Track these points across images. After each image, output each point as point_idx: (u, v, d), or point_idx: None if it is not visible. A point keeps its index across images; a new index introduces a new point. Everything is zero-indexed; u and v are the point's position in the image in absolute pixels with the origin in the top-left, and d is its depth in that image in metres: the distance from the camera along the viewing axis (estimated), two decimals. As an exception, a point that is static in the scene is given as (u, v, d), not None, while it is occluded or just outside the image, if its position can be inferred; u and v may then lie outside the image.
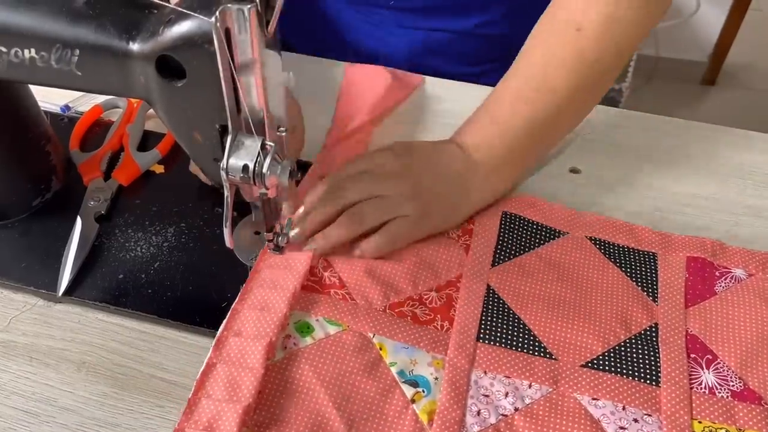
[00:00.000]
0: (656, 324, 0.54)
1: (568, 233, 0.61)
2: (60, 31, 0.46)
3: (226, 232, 0.50)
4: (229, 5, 0.40)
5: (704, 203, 0.66)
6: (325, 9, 0.85)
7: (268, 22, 0.43)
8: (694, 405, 0.49)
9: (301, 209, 0.57)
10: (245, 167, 0.45)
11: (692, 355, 0.52)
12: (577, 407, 0.49)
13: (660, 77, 2.11)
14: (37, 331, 0.55)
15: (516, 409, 0.48)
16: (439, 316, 0.54)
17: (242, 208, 0.61)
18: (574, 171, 0.69)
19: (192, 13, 0.41)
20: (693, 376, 0.51)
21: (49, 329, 0.55)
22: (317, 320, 0.52)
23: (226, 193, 0.48)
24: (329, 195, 0.57)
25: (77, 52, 0.46)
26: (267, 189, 0.47)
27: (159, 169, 0.67)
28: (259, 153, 0.46)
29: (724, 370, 0.51)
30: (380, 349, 0.51)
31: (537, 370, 0.51)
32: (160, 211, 0.62)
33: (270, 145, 0.46)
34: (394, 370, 0.50)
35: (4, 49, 0.47)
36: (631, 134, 0.73)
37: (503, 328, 0.53)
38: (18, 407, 0.50)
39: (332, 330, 0.52)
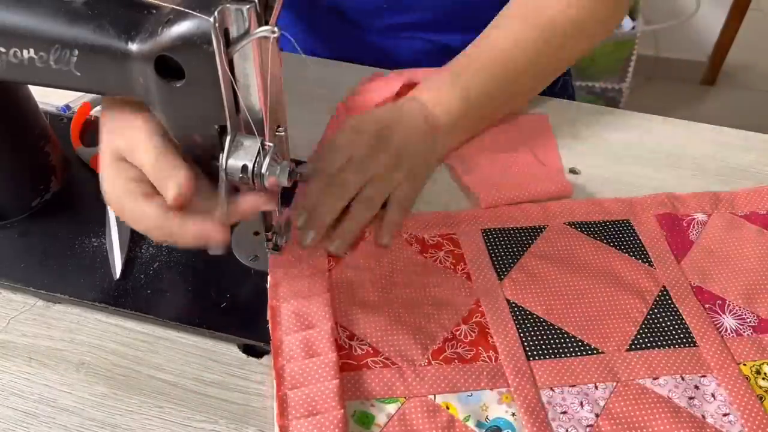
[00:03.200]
0: (664, 287, 0.57)
1: (546, 226, 0.62)
2: (59, 31, 0.46)
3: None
4: (227, 5, 0.40)
5: (704, 203, 0.66)
6: (321, 21, 0.85)
7: (266, 22, 0.43)
8: (732, 351, 0.53)
9: (300, 217, 0.57)
10: (244, 167, 0.45)
11: (706, 305, 0.56)
12: (644, 393, 0.50)
13: (660, 77, 2.11)
14: (36, 331, 0.55)
15: (597, 416, 0.49)
16: (481, 348, 0.53)
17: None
18: (573, 171, 0.69)
19: (191, 12, 0.41)
20: (717, 325, 0.54)
21: (48, 330, 0.55)
22: (372, 405, 0.49)
23: (223, 194, 0.48)
24: (331, 193, 0.57)
25: (76, 52, 0.46)
26: (266, 189, 0.47)
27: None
28: (258, 153, 0.45)
29: (737, 310, 0.56)
30: (448, 408, 0.49)
31: (593, 369, 0.52)
32: (160, 212, 0.62)
33: (269, 146, 0.46)
34: (471, 424, 0.48)
35: (2, 50, 0.47)
36: (631, 134, 0.73)
37: (544, 339, 0.53)
38: (17, 408, 0.50)
39: (392, 408, 0.49)
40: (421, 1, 0.80)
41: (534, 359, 0.52)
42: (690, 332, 0.54)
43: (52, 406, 0.50)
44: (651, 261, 0.59)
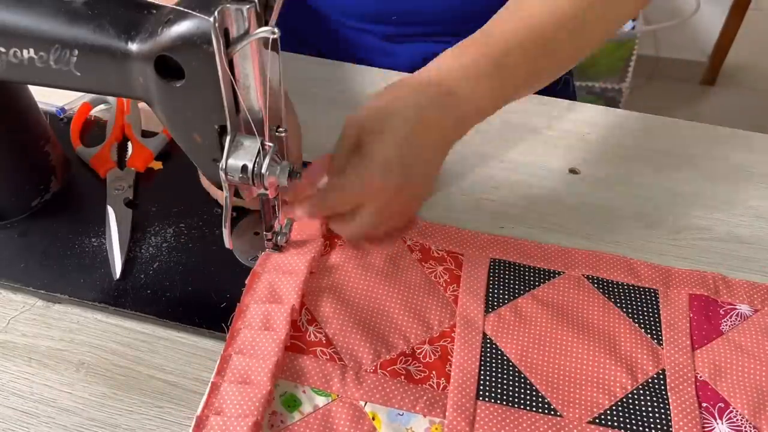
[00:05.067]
0: (663, 370, 0.52)
1: (563, 272, 0.58)
2: (59, 31, 0.46)
3: (225, 232, 0.50)
4: (228, 5, 0.40)
5: (705, 204, 0.66)
6: (325, 22, 0.85)
7: (266, 22, 0.43)
8: None
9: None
10: (244, 167, 0.45)
11: (704, 404, 0.50)
12: None
13: (660, 77, 2.11)
14: (36, 331, 0.55)
15: None
16: (434, 372, 0.51)
17: (241, 208, 0.61)
18: (573, 171, 0.69)
19: (191, 13, 0.41)
20: (706, 428, 0.49)
21: (48, 330, 0.55)
22: (304, 391, 0.49)
23: (225, 193, 0.48)
24: (336, 227, 0.57)
25: (76, 52, 0.46)
26: (266, 189, 0.47)
27: (157, 165, 0.67)
28: (258, 153, 0.45)
29: (737, 420, 0.49)
30: (373, 419, 0.48)
31: (541, 429, 0.48)
32: (159, 212, 0.62)
33: (269, 146, 0.46)
34: None
35: (2, 50, 0.47)
36: (631, 134, 0.73)
37: (504, 383, 0.51)
38: (17, 408, 0.50)
39: (321, 401, 0.49)
40: (430, 13, 0.79)
41: (483, 400, 0.50)
42: (669, 425, 0.49)
43: (52, 406, 0.50)
44: (661, 339, 0.54)
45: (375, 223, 0.55)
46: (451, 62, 0.56)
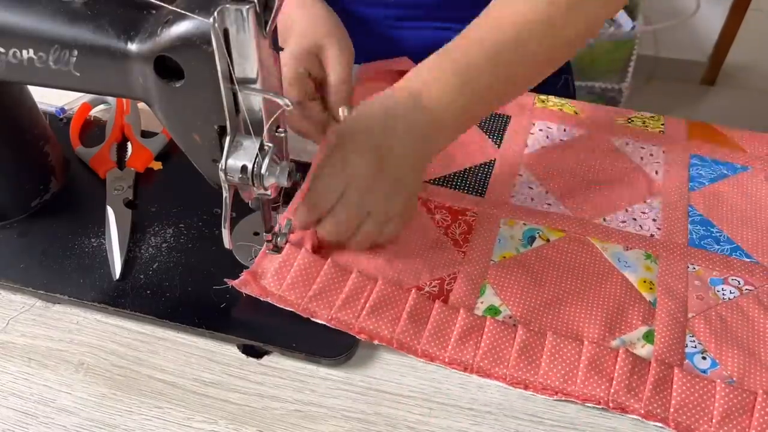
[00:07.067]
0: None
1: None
2: (58, 31, 0.46)
3: (225, 232, 0.50)
4: (227, 6, 0.40)
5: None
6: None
7: (266, 23, 0.43)
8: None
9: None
10: (244, 168, 0.45)
11: None
12: None
13: (660, 77, 2.11)
14: (35, 332, 0.55)
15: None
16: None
17: (241, 208, 0.61)
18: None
19: (190, 14, 0.41)
20: None
21: (48, 330, 0.55)
22: (495, 297, 0.56)
23: (224, 194, 0.48)
24: (327, 232, 0.57)
25: (75, 52, 0.46)
26: (266, 190, 0.47)
27: (157, 165, 0.67)
28: (257, 154, 0.46)
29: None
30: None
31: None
32: (159, 212, 0.62)
33: (268, 146, 0.46)
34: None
35: (2, 50, 0.47)
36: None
37: None
38: (16, 408, 0.50)
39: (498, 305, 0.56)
40: None
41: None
42: None
43: (52, 407, 0.50)
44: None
45: (360, 207, 0.55)
46: (415, 69, 0.60)
